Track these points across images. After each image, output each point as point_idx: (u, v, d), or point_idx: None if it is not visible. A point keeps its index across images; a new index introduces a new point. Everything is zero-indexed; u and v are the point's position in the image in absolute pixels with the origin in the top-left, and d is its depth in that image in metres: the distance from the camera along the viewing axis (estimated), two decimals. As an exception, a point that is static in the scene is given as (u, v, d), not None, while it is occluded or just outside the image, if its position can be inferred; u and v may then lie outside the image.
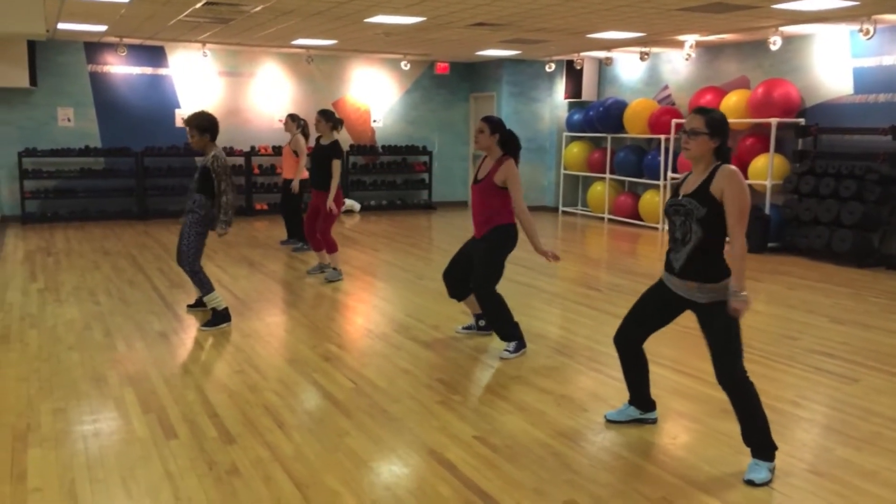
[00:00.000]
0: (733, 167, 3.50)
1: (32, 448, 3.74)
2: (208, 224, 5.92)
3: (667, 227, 3.74)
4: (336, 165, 7.76)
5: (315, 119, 8.06)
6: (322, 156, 7.85)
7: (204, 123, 5.89)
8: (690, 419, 4.25)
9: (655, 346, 5.60)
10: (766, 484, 3.46)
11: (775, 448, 3.54)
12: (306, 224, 8.23)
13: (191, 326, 6.08)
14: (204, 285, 6.01)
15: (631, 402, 4.16)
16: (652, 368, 5.03)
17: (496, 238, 5.33)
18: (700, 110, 3.55)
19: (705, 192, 3.49)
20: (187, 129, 5.96)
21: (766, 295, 7.55)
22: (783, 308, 6.96)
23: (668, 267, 3.68)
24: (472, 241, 5.52)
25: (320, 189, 7.86)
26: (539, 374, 5.00)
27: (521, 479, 3.48)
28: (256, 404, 4.37)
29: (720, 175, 3.47)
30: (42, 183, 12.11)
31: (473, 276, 5.38)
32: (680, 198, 3.59)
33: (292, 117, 9.83)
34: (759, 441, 3.54)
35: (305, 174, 9.26)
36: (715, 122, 3.50)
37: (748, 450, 3.61)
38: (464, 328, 6.00)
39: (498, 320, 5.41)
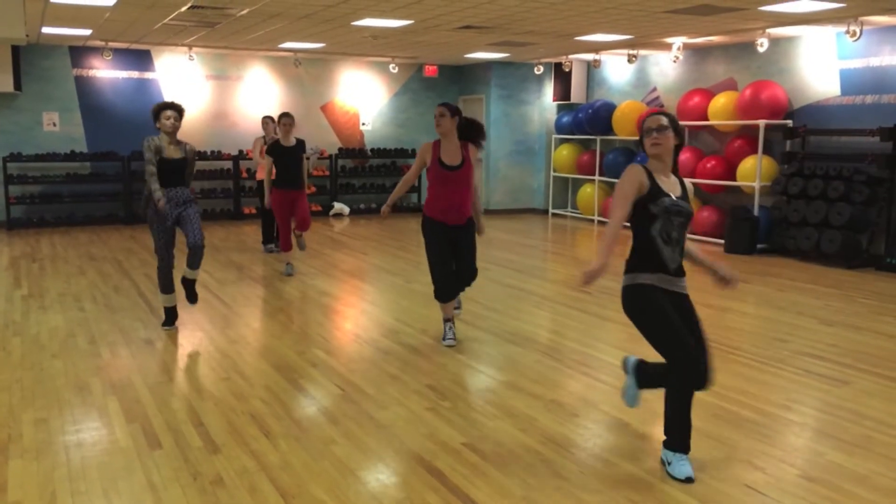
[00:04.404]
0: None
1: (13, 459, 3.67)
2: None
3: (657, 230, 3.56)
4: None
5: (288, 122, 8.13)
6: (296, 155, 8.16)
7: (183, 109, 5.95)
8: (681, 424, 4.21)
9: (642, 350, 5.58)
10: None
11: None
12: (288, 229, 8.25)
13: (177, 333, 6.01)
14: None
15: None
16: (642, 372, 5.02)
17: (473, 225, 5.65)
18: (658, 112, 3.73)
19: (687, 196, 3.70)
20: (173, 113, 5.83)
21: (755, 297, 7.54)
22: (772, 310, 6.95)
23: (662, 268, 3.59)
24: (448, 229, 5.48)
25: (297, 188, 8.17)
26: (529, 378, 4.96)
27: (510, 486, 3.44)
28: (242, 412, 4.31)
29: (689, 184, 3.80)
30: (27, 188, 12.00)
31: (470, 262, 5.57)
32: (676, 199, 3.59)
33: (271, 119, 9.81)
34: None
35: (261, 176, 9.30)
36: (675, 119, 3.69)
37: (740, 455, 3.59)
38: (452, 339, 5.69)
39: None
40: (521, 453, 3.79)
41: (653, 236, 3.58)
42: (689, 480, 3.47)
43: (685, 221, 3.62)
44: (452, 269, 5.56)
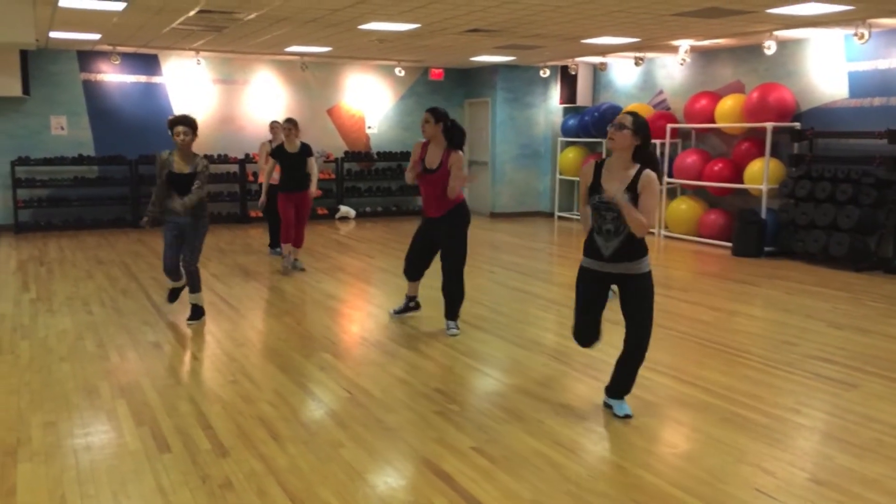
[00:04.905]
0: (650, 174, 4.01)
1: (22, 463, 3.68)
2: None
3: (592, 221, 4.18)
4: (313, 162, 8.64)
5: (288, 127, 8.54)
6: (300, 159, 8.48)
7: (195, 123, 6.07)
8: (690, 428, 4.21)
9: (652, 353, 5.57)
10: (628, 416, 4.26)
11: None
12: (290, 224, 8.62)
13: (185, 336, 6.03)
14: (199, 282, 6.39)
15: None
16: (650, 376, 5.02)
17: (462, 214, 5.96)
18: (629, 112, 4.13)
19: (633, 191, 3.99)
20: (184, 128, 5.93)
21: (763, 300, 7.52)
22: (781, 313, 6.93)
23: (595, 254, 4.16)
24: (427, 219, 6.09)
25: (301, 190, 8.52)
26: (536, 382, 4.95)
27: (519, 490, 3.43)
28: (250, 415, 4.32)
29: (644, 177, 4.01)
30: (35, 192, 12.05)
31: (447, 256, 5.95)
32: (610, 197, 4.02)
33: (279, 124, 9.88)
34: (629, 387, 4.35)
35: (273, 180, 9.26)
36: (638, 122, 4.05)
37: (750, 459, 3.61)
38: (396, 312, 6.50)
39: (461, 297, 6.06)
40: (530, 457, 3.78)
41: (591, 226, 4.20)
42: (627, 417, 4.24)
43: (617, 216, 4.02)
44: (421, 253, 6.15)
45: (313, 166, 8.57)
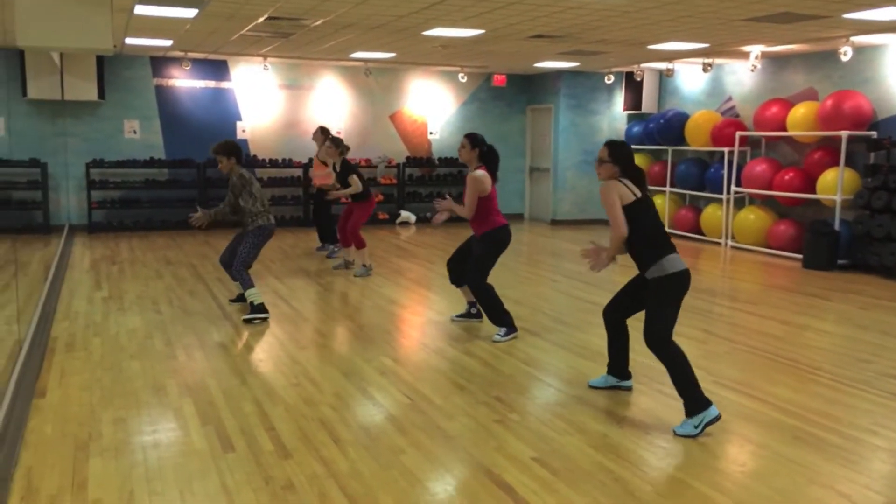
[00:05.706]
0: (605, 182, 4.41)
1: (94, 458, 3.78)
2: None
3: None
4: (355, 179, 8.80)
5: (327, 145, 9.09)
6: (341, 175, 8.95)
7: (224, 148, 6.70)
8: (759, 445, 4.07)
9: (720, 368, 5.43)
10: (689, 437, 4.10)
11: (706, 404, 4.15)
12: (339, 223, 9.23)
13: (249, 337, 6.13)
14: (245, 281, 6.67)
15: (609, 372, 4.92)
16: (717, 391, 4.88)
17: (494, 237, 6.10)
18: (606, 143, 4.48)
19: None
20: (219, 157, 6.74)
21: (835, 315, 7.25)
22: (854, 329, 6.67)
23: None
24: (472, 236, 6.38)
25: (354, 200, 8.93)
26: (599, 394, 4.87)
27: (581, 503, 3.37)
28: (312, 418, 4.35)
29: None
30: (108, 193, 12.45)
31: (471, 261, 6.18)
32: None
33: (322, 130, 10.26)
34: (688, 396, 4.17)
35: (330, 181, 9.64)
36: (615, 152, 4.41)
37: (822, 480, 3.47)
38: (457, 316, 6.73)
39: (489, 308, 6.13)
40: (592, 470, 3.71)
41: None
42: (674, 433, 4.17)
43: None
44: (457, 256, 6.43)
45: (353, 183, 8.72)
